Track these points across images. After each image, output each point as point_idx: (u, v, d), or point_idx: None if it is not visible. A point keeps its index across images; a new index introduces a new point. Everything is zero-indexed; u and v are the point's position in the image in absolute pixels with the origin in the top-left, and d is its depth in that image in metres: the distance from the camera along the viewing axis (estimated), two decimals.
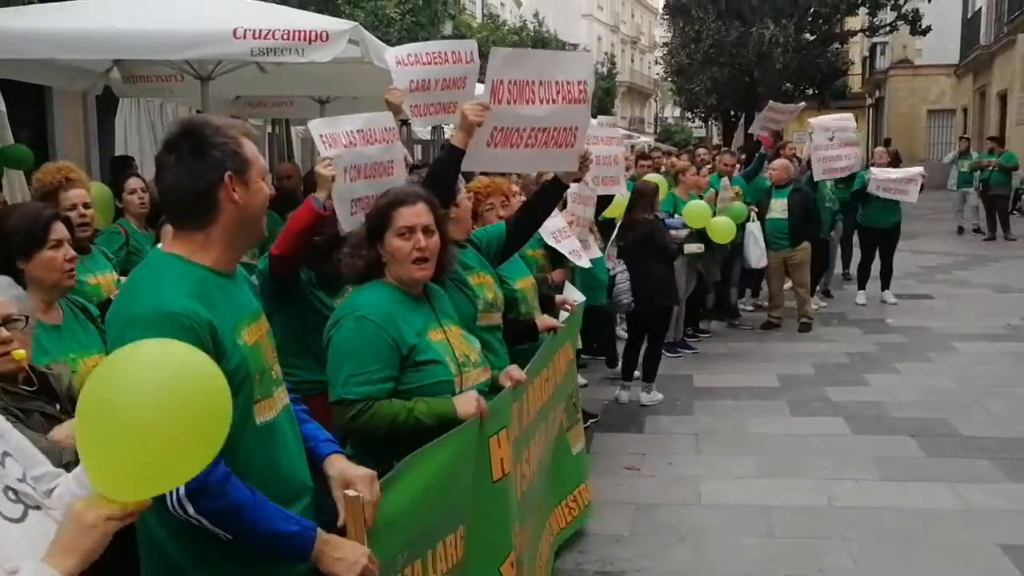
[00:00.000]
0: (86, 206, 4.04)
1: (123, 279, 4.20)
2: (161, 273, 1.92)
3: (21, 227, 2.87)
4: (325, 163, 3.50)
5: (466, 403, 2.58)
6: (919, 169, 9.77)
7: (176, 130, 1.99)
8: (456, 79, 4.51)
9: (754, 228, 8.81)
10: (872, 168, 9.79)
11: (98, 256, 4.00)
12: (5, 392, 2.25)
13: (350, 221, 3.54)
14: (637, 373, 6.77)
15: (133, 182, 5.16)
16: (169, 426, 1.45)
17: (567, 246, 5.12)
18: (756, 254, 8.78)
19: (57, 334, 2.78)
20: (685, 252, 7.52)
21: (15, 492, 1.60)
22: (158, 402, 1.45)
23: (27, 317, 2.36)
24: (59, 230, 2.89)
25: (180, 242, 1.98)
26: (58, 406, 2.37)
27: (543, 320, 3.99)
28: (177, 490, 1.77)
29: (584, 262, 5.25)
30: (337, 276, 3.50)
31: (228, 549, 1.88)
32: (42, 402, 2.31)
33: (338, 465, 2.13)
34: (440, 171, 3.59)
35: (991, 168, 15.41)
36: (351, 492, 2.00)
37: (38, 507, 1.62)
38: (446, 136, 10.35)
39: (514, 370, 3.07)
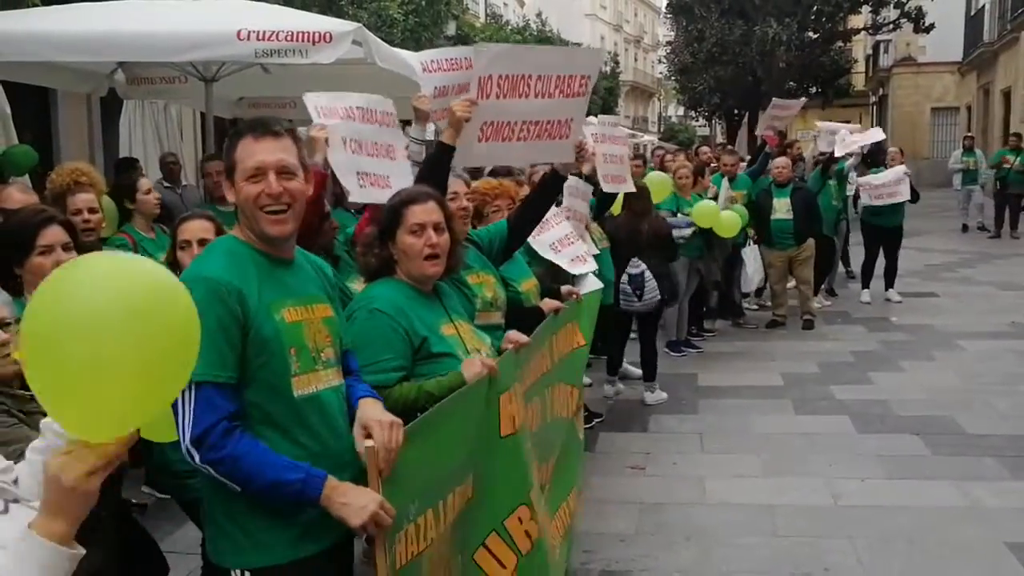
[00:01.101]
0: (92, 211, 4.06)
1: None
2: (216, 248, 2.23)
3: (11, 233, 2.91)
4: (318, 128, 3.58)
5: (472, 367, 2.60)
6: (901, 168, 9.82)
7: None
8: (467, 84, 4.54)
9: (750, 252, 8.88)
10: (858, 180, 9.90)
11: None
12: (7, 396, 2.26)
13: (360, 193, 3.65)
14: (639, 372, 6.78)
15: (145, 182, 5.15)
16: (131, 342, 1.29)
17: (568, 255, 5.03)
18: (744, 279, 8.96)
19: None
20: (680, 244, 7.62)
21: None
22: (114, 318, 1.28)
23: (18, 320, 2.36)
24: (49, 235, 2.89)
25: (238, 227, 2.23)
26: None
27: (547, 303, 3.97)
28: (185, 438, 1.96)
29: (588, 267, 5.15)
30: (327, 254, 3.57)
31: (254, 505, 2.03)
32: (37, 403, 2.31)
33: (363, 408, 2.20)
34: (431, 169, 3.61)
35: (1009, 167, 15.32)
36: (368, 442, 2.04)
37: (16, 500, 1.63)
38: None
39: (514, 334, 3.13)
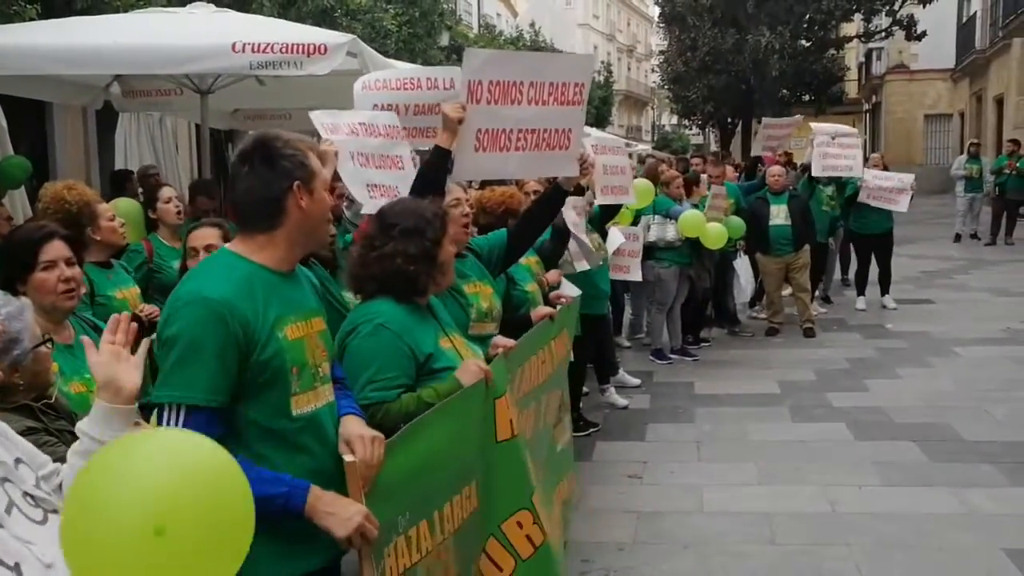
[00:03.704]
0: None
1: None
2: (214, 265, 2.14)
3: (13, 250, 2.88)
4: (327, 144, 3.63)
5: (468, 373, 2.60)
6: (911, 178, 9.81)
7: (250, 143, 2.19)
8: (432, 105, 4.46)
9: (741, 263, 8.89)
10: (865, 172, 9.79)
11: (120, 271, 4.02)
12: (38, 417, 2.21)
13: (371, 204, 3.67)
14: (636, 381, 6.79)
15: (167, 191, 5.08)
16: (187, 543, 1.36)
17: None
18: (738, 290, 9.05)
19: (70, 354, 2.74)
20: (664, 245, 7.65)
21: (33, 498, 1.61)
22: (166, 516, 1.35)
23: (49, 338, 2.34)
24: (52, 251, 2.84)
25: (242, 242, 2.16)
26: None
27: (536, 311, 3.93)
28: None
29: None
30: (326, 262, 3.57)
31: None
32: (64, 422, 2.25)
33: (346, 424, 2.20)
34: (430, 174, 3.57)
35: (1010, 172, 15.27)
36: (348, 457, 2.05)
37: (55, 511, 1.63)
38: None
39: (500, 339, 3.15)
